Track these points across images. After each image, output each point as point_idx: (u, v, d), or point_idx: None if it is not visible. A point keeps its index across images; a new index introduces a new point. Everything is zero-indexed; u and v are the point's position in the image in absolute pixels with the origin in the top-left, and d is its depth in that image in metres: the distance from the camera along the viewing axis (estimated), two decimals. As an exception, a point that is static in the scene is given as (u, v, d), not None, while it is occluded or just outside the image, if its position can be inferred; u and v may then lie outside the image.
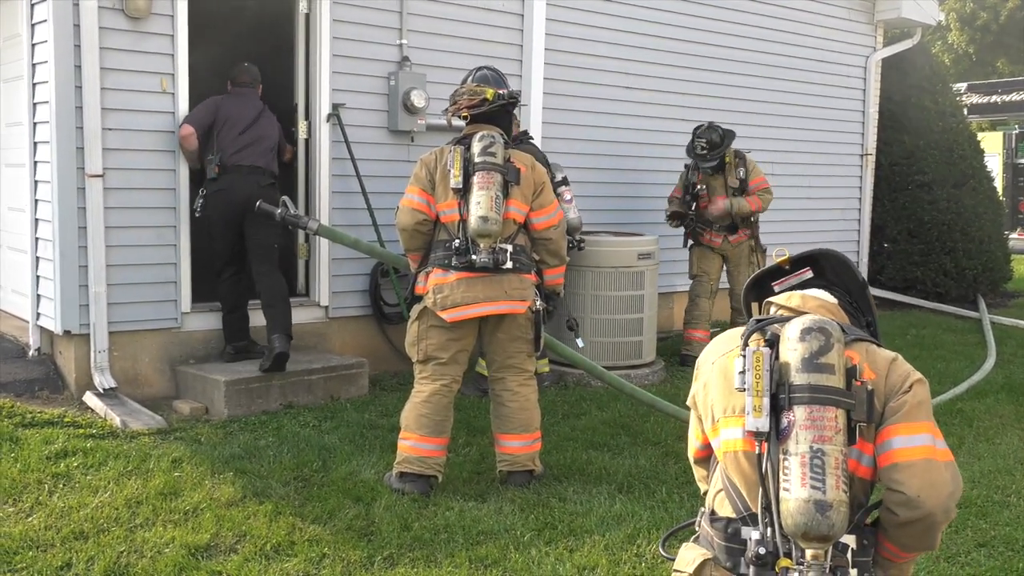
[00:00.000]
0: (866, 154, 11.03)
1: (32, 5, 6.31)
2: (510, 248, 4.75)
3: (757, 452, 2.25)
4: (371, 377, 6.88)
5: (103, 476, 4.91)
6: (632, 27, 8.72)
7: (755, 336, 2.37)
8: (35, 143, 6.42)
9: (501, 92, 4.97)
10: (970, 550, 4.37)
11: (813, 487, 2.13)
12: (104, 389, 6.14)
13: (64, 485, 4.78)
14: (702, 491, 2.64)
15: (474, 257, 4.67)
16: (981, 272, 11.08)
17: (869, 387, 2.27)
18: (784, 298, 2.55)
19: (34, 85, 6.37)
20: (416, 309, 4.91)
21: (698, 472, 2.71)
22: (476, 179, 4.68)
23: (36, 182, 6.46)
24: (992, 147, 20.22)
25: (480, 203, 4.63)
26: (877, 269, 11.25)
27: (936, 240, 10.95)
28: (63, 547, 4.10)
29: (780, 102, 10.04)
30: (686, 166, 8.16)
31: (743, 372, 2.26)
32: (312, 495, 4.78)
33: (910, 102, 11.26)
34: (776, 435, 2.23)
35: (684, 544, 2.50)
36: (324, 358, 6.81)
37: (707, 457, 2.57)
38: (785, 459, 2.19)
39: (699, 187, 8.03)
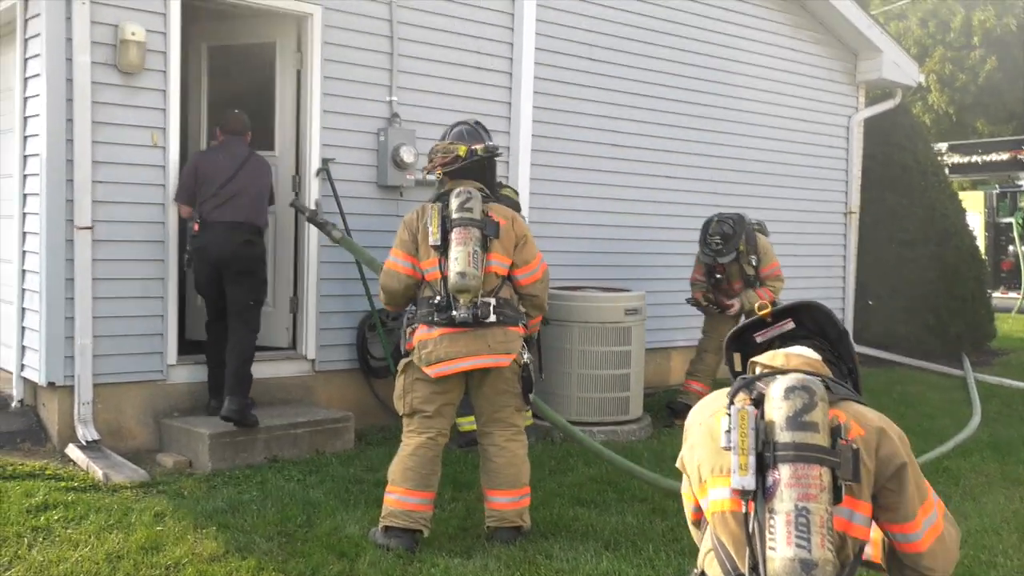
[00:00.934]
0: (850, 212, 11.16)
1: (26, 60, 6.38)
2: (493, 302, 4.78)
3: (744, 511, 2.27)
4: (357, 431, 6.85)
5: (84, 530, 4.85)
6: (619, 86, 8.86)
7: (740, 395, 2.40)
8: (25, 195, 6.45)
9: (474, 148, 5.00)
10: (957, 609, 4.34)
11: (799, 545, 2.14)
12: (87, 441, 6.10)
13: (44, 539, 4.73)
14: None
15: (454, 313, 4.71)
16: (965, 330, 11.18)
17: (855, 446, 2.30)
18: (768, 357, 2.57)
19: (25, 138, 6.41)
20: (403, 363, 4.92)
21: (696, 534, 2.69)
22: (454, 235, 4.73)
23: (25, 233, 6.47)
24: (973, 206, 20.49)
25: (458, 259, 4.68)
26: (861, 326, 11.32)
27: (920, 298, 11.05)
28: (42, 603, 4.04)
29: (764, 160, 10.18)
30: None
31: (729, 431, 2.28)
32: (296, 551, 4.74)
33: (892, 161, 11.44)
34: (762, 494, 2.24)
35: None
36: (310, 411, 6.79)
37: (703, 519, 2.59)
38: (771, 517, 2.21)
39: (717, 275, 7.97)
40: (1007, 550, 5.01)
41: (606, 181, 8.81)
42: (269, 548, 4.75)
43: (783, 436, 2.24)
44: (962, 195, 21.23)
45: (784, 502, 2.19)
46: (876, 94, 11.73)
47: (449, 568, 4.58)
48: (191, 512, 5.18)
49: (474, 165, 5.07)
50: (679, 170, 9.32)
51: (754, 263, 7.77)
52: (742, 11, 9.87)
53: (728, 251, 7.67)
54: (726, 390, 2.49)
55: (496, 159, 5.29)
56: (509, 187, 6.98)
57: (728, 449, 2.29)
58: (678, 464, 2.61)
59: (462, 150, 5.03)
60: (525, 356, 4.92)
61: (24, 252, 6.49)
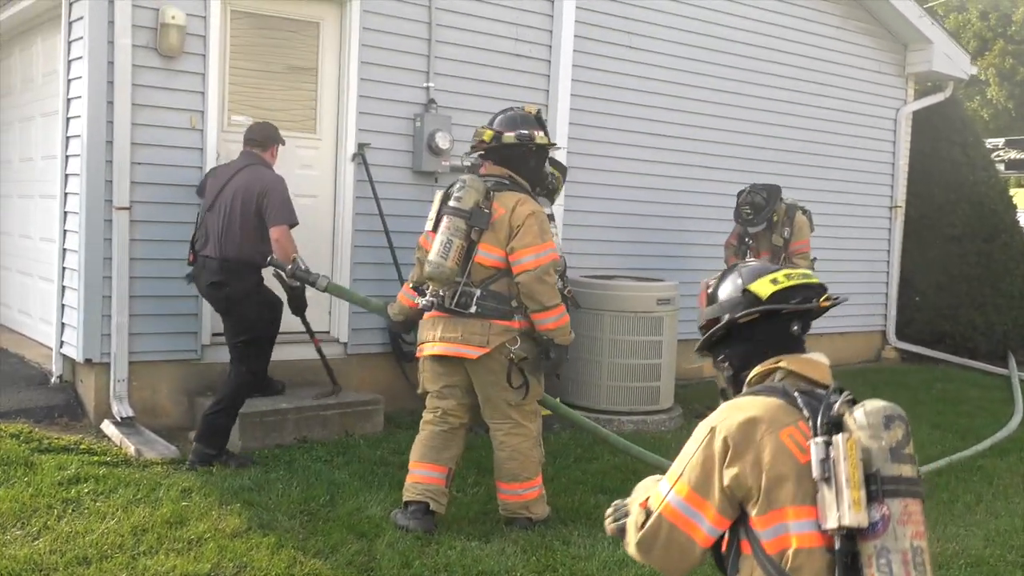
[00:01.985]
0: (895, 206, 10.97)
1: (69, 42, 6.51)
2: (477, 293, 4.80)
3: (838, 548, 2.10)
4: (388, 414, 6.90)
5: (112, 503, 4.96)
6: (660, 74, 8.79)
7: (822, 417, 2.19)
8: (66, 175, 6.58)
9: (500, 133, 4.98)
10: (979, 608, 4.28)
11: None
12: (122, 418, 6.22)
13: (73, 510, 4.84)
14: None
15: (420, 300, 4.92)
16: (1011, 328, 10.94)
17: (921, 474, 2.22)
18: (806, 365, 2.39)
19: (68, 119, 6.55)
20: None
21: (695, 557, 2.32)
22: (441, 222, 4.83)
23: (65, 213, 6.61)
24: (1029, 203, 20.04)
25: (433, 247, 4.79)
26: (905, 321, 11.13)
27: (965, 294, 10.84)
28: (65, 571, 4.14)
29: (808, 152, 10.05)
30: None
31: (824, 460, 2.10)
32: (317, 529, 4.80)
33: (941, 155, 11.21)
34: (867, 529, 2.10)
35: None
36: (340, 394, 6.85)
37: (716, 544, 2.31)
38: (881, 556, 2.08)
39: (748, 240, 8.02)
40: (1035, 550, 4.93)
41: (644, 171, 8.76)
42: (291, 526, 4.82)
43: (890, 469, 2.11)
44: (1014, 191, 20.87)
45: (899, 540, 2.08)
46: (926, 87, 11.52)
47: (466, 551, 4.61)
48: (217, 489, 5.27)
49: (502, 150, 5.01)
50: (718, 160, 9.23)
51: (786, 235, 7.76)
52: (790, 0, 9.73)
53: (758, 221, 7.75)
54: (773, 402, 2.26)
55: (531, 149, 5.04)
56: (554, 168, 6.65)
57: (825, 479, 2.10)
58: (703, 476, 2.26)
59: (487, 134, 5.01)
60: (513, 350, 4.83)
61: (64, 231, 6.63)
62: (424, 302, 4.85)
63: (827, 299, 2.45)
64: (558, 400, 6.32)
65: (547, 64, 8.08)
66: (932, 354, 10.79)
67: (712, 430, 2.27)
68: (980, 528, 5.23)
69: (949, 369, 10.42)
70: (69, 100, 6.53)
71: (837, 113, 10.31)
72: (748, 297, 2.47)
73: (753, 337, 2.47)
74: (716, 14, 9.15)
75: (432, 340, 4.89)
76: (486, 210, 4.81)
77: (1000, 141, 21.29)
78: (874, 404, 2.18)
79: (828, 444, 2.12)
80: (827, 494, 2.10)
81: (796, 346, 2.45)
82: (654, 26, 8.73)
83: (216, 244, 5.75)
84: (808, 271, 2.54)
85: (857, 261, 10.69)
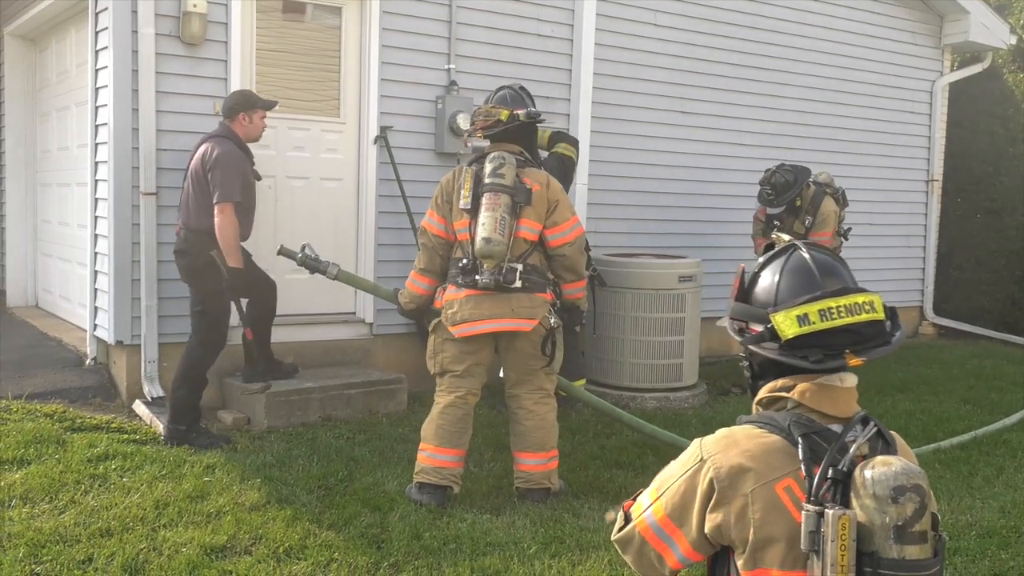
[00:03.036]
0: (932, 180, 10.81)
1: (96, 33, 6.68)
2: (520, 267, 4.84)
3: None
4: (412, 393, 7.00)
5: (138, 479, 5.12)
6: (684, 51, 8.76)
7: (820, 474, 1.95)
8: (96, 163, 6.76)
9: (516, 112, 5.08)
10: (986, 579, 4.27)
11: None
12: (152, 398, 6.40)
13: (100, 486, 5.01)
14: None
15: (478, 277, 4.79)
16: (1053, 303, 10.75)
17: (945, 536, 2.00)
18: (823, 399, 2.09)
19: (96, 108, 6.72)
20: (433, 323, 5.05)
21: (666, 573, 2.22)
22: (484, 200, 4.80)
23: (96, 199, 6.80)
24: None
25: (485, 224, 4.75)
26: (943, 297, 10.99)
27: (1004, 269, 10.67)
28: (88, 543, 4.30)
29: (842, 127, 9.94)
30: None
31: (815, 532, 1.88)
32: (333, 503, 4.92)
33: (979, 128, 11.02)
34: None
35: None
36: (364, 373, 6.98)
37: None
38: None
39: (776, 222, 7.92)
40: (1050, 523, 4.88)
41: (668, 148, 8.74)
42: (308, 500, 4.94)
43: (890, 551, 1.86)
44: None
45: None
46: (964, 57, 11.30)
47: (476, 524, 4.70)
48: (240, 465, 5.41)
49: (515, 129, 5.14)
50: (745, 136, 9.17)
51: (807, 224, 7.65)
52: (817, -27, 9.62)
53: (777, 203, 7.62)
54: (777, 443, 2.04)
55: (538, 124, 5.35)
56: (566, 143, 6.85)
57: (813, 551, 1.89)
58: (681, 516, 2.11)
59: (504, 114, 5.10)
60: (552, 321, 4.95)
61: (96, 217, 6.82)
62: (485, 280, 4.80)
63: (863, 355, 2.09)
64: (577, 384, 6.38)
65: (569, 43, 8.09)
66: (970, 329, 10.65)
67: (701, 461, 2.09)
68: (997, 500, 5.19)
69: (989, 344, 10.27)
70: (97, 89, 6.70)
71: (872, 87, 10.17)
72: (768, 329, 2.14)
73: (771, 358, 2.17)
74: (743, -11, 9.08)
75: (479, 318, 4.87)
76: (526, 186, 4.89)
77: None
78: (885, 468, 1.89)
79: (820, 515, 1.88)
80: (816, 568, 1.89)
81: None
82: (677, 2, 8.68)
83: (180, 214, 5.90)
84: (861, 299, 2.11)
85: (894, 236, 10.57)
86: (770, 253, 2.27)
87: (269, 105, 6.17)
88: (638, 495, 2.28)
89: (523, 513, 4.86)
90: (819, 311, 2.08)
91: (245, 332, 6.12)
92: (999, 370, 8.94)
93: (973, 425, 6.75)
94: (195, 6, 6.41)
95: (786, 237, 2.33)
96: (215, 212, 5.68)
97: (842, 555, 1.85)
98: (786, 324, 2.09)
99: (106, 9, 6.43)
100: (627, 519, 2.25)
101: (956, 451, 6.13)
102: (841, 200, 8.17)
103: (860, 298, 2.11)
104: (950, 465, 5.80)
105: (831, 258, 2.24)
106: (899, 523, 1.85)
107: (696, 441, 2.17)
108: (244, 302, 5.99)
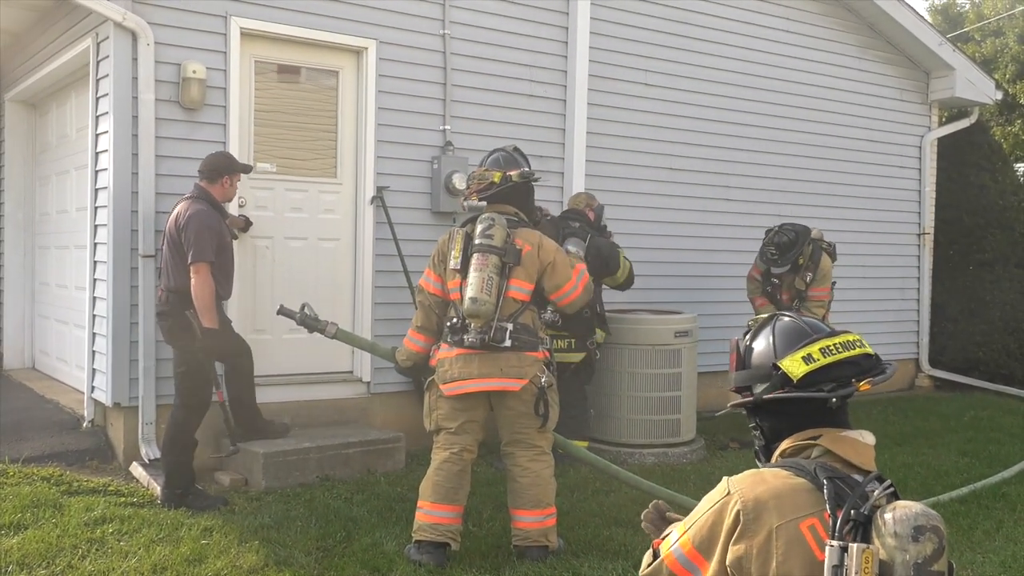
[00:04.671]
0: (924, 233, 10.92)
1: (97, 99, 6.78)
2: (510, 327, 4.89)
3: None
4: (410, 452, 6.99)
5: (135, 542, 5.10)
6: (676, 110, 8.90)
7: (843, 517, 2.02)
8: (95, 226, 6.83)
9: (509, 174, 5.16)
10: (989, 635, 4.25)
11: None
12: (150, 459, 6.39)
13: (97, 550, 4.98)
14: None
15: (465, 336, 4.87)
16: (1048, 353, 10.79)
17: None
18: (847, 448, 2.21)
19: (96, 172, 6.80)
20: (428, 381, 5.09)
21: None
22: (473, 261, 4.90)
23: (95, 262, 6.85)
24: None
25: (472, 284, 4.84)
26: (938, 349, 11.03)
27: (999, 320, 10.73)
28: (85, 608, 4.27)
29: (833, 182, 10.08)
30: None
31: (839, 567, 1.93)
32: (332, 564, 4.89)
33: (969, 181, 11.16)
34: None
35: None
36: (362, 432, 6.97)
37: None
38: None
39: (773, 279, 8.02)
40: (1051, 576, 4.87)
41: (661, 204, 8.84)
42: (307, 562, 4.92)
43: None
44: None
45: None
46: (952, 112, 11.49)
47: (475, 583, 4.67)
48: (238, 527, 5.39)
49: (509, 191, 5.22)
50: (737, 192, 9.29)
51: (808, 280, 7.74)
52: (806, 32, 9.81)
53: (783, 262, 7.70)
54: (801, 484, 2.11)
55: (533, 184, 5.42)
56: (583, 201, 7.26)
57: None
58: (715, 562, 2.16)
59: (497, 176, 5.19)
60: (543, 380, 4.98)
61: (95, 280, 6.86)
62: (471, 339, 4.88)
63: (868, 380, 2.24)
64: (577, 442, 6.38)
65: (562, 103, 8.23)
66: (966, 381, 10.67)
67: (729, 495, 2.17)
68: (997, 555, 5.18)
69: (985, 396, 10.29)
70: (97, 153, 6.79)
71: (862, 143, 10.33)
72: (778, 376, 2.28)
73: (785, 411, 2.30)
74: (734, 49, 9.26)
75: (467, 377, 4.93)
76: (516, 246, 4.97)
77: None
78: (906, 510, 1.97)
79: (844, 550, 1.94)
80: None
81: (837, 418, 2.27)
82: (669, 63, 8.85)
83: (161, 276, 5.99)
84: (851, 337, 2.29)
85: (888, 289, 10.65)
86: (755, 327, 2.45)
87: (247, 169, 6.33)
88: (667, 534, 2.36)
89: (522, 572, 4.83)
90: (820, 349, 2.25)
91: (217, 395, 6.13)
92: (996, 422, 8.95)
93: (972, 478, 6.75)
94: (195, 72, 6.52)
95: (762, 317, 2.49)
96: (191, 272, 5.73)
97: None
98: (794, 365, 2.25)
99: (107, 76, 6.55)
100: (655, 555, 2.35)
101: (955, 505, 6.12)
102: (833, 254, 8.27)
103: (851, 336, 2.30)
104: (950, 519, 5.78)
105: (811, 320, 2.42)
106: (919, 561, 1.91)
107: (725, 478, 2.25)
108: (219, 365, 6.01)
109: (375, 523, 5.54)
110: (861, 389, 2.21)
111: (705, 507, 2.25)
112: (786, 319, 2.40)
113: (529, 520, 4.98)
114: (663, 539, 2.37)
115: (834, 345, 2.25)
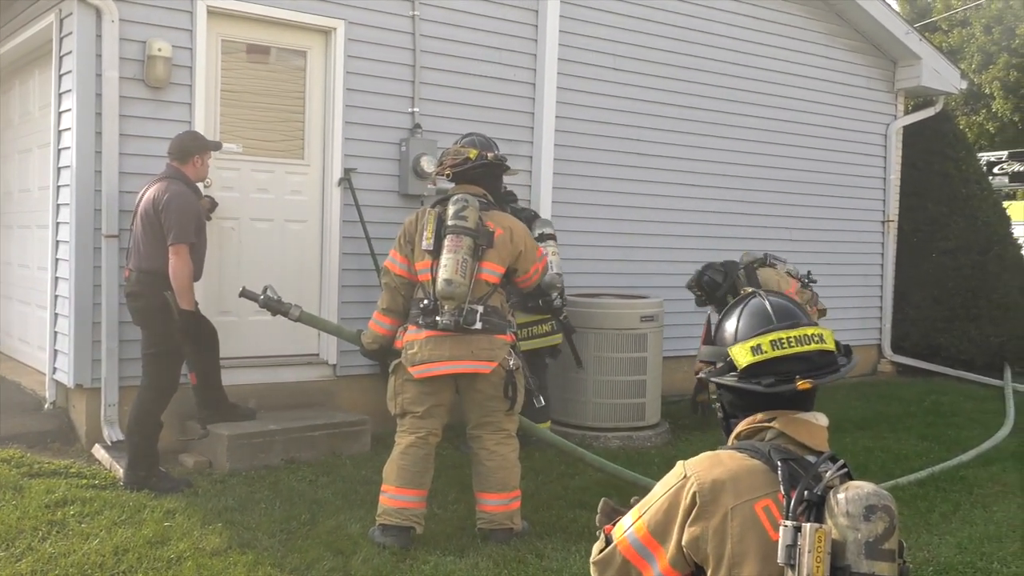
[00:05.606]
0: (888, 220, 11.04)
1: (60, 76, 6.69)
2: (480, 309, 4.88)
3: None
4: (376, 434, 6.97)
5: (97, 525, 5.06)
6: (645, 95, 8.91)
7: (797, 497, 2.05)
8: (58, 205, 6.74)
9: (484, 154, 5.16)
10: (944, 615, 4.33)
11: None
12: (112, 442, 6.34)
13: (58, 532, 4.95)
14: None
15: (438, 318, 4.83)
16: (1008, 340, 10.94)
17: (909, 566, 2.13)
18: (802, 429, 2.24)
19: (59, 151, 6.71)
20: (393, 363, 5.08)
21: None
22: (446, 242, 4.86)
23: (57, 242, 6.77)
24: (1034, 215, 20.02)
25: (446, 266, 4.81)
26: (901, 335, 11.16)
27: (960, 307, 10.86)
28: (45, 590, 4.25)
29: (798, 169, 10.14)
30: None
31: (792, 546, 1.96)
32: (295, 546, 4.89)
33: (933, 169, 11.27)
34: None
35: None
36: (328, 414, 6.96)
37: None
38: None
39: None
40: (1006, 557, 4.97)
41: (629, 189, 8.86)
42: (270, 544, 4.91)
43: (862, 566, 1.95)
44: (1023, 204, 20.82)
45: None
46: (918, 101, 11.60)
47: (439, 566, 4.69)
48: (201, 509, 5.37)
49: (482, 171, 5.22)
50: (705, 178, 9.33)
51: None
52: (773, 19, 9.84)
53: (710, 302, 7.28)
54: (756, 465, 2.15)
55: (504, 170, 5.42)
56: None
57: (789, 565, 1.97)
58: (661, 528, 2.19)
59: (473, 153, 5.19)
60: (511, 363, 4.99)
61: (56, 260, 6.78)
62: (445, 321, 4.85)
63: (810, 379, 2.24)
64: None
65: (532, 87, 8.21)
66: (928, 367, 10.81)
67: (685, 478, 2.19)
68: (954, 536, 5.27)
69: (945, 382, 10.43)
70: (60, 132, 6.70)
71: (828, 129, 10.40)
72: (727, 361, 2.33)
73: (740, 392, 2.34)
74: (702, 35, 9.28)
75: (438, 359, 4.91)
76: (488, 228, 4.96)
77: (1004, 154, 21.31)
78: (858, 490, 2.02)
79: (797, 530, 1.97)
80: None
81: (797, 401, 2.28)
82: (639, 48, 8.85)
83: (131, 256, 5.88)
84: (810, 331, 2.29)
85: (852, 276, 10.75)
86: (733, 301, 2.49)
87: (217, 146, 6.27)
88: (618, 520, 2.35)
89: (487, 554, 4.86)
90: (771, 341, 2.27)
91: (190, 377, 6.08)
92: (957, 407, 9.08)
93: (931, 462, 6.86)
94: (160, 50, 6.44)
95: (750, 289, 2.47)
96: (170, 253, 5.67)
97: (817, 566, 1.93)
98: (741, 354, 2.29)
99: (70, 52, 6.45)
100: (607, 541, 2.33)
101: (914, 488, 6.21)
102: (769, 263, 7.90)
103: (810, 331, 2.30)
104: (908, 502, 5.88)
105: (787, 302, 2.43)
106: (870, 539, 1.96)
107: (680, 462, 2.26)
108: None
109: (340, 505, 5.54)
110: (799, 388, 2.22)
111: (660, 491, 2.25)
112: (757, 300, 2.40)
113: (494, 503, 5.01)
114: (614, 525, 2.36)
115: (787, 339, 2.27)
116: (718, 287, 7.20)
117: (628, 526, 2.27)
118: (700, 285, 7.31)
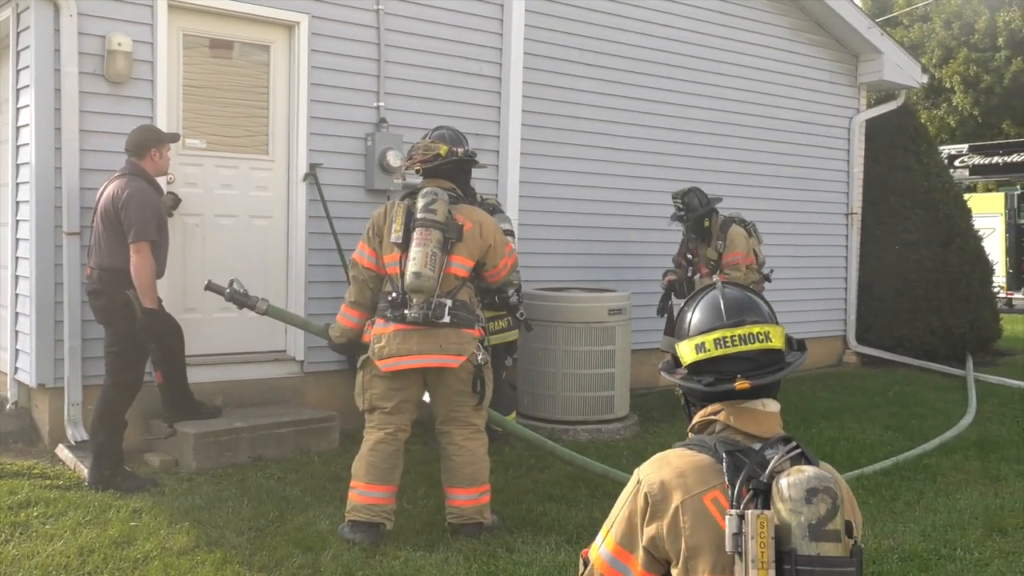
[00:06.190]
0: (851, 213, 11.15)
1: (18, 71, 6.58)
2: (449, 303, 4.86)
3: None
4: (345, 431, 6.94)
5: (61, 526, 5.00)
6: (610, 88, 8.93)
7: (743, 486, 2.10)
8: (17, 202, 6.64)
9: (455, 149, 5.14)
10: (909, 602, 4.37)
11: None
12: (76, 441, 6.26)
13: (21, 534, 4.88)
14: None
15: (406, 311, 4.80)
16: (969, 330, 11.11)
17: (860, 543, 2.15)
18: (747, 420, 2.27)
19: (18, 147, 6.60)
20: (361, 359, 5.04)
21: None
22: (415, 235, 4.82)
23: (17, 240, 6.66)
24: (994, 207, 20.32)
25: (415, 259, 4.77)
26: (865, 327, 11.29)
27: (923, 299, 11.00)
28: (8, 593, 4.18)
29: (763, 162, 10.21)
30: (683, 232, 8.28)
31: (737, 534, 2.01)
32: (264, 544, 4.85)
33: (895, 163, 11.40)
34: None
35: None
36: (295, 411, 6.91)
37: None
38: None
39: (689, 256, 8.14)
40: (968, 544, 5.03)
41: (595, 183, 8.89)
42: (238, 542, 4.87)
43: (807, 548, 1.99)
44: (983, 197, 21.13)
45: None
46: (880, 95, 11.72)
47: (409, 561, 4.68)
48: (168, 509, 5.31)
49: (452, 166, 5.20)
50: (670, 171, 9.35)
51: (719, 248, 7.87)
52: (737, 13, 9.91)
53: (687, 218, 7.93)
54: (704, 460, 2.19)
55: (473, 165, 5.39)
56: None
57: (737, 553, 2.01)
58: (627, 531, 2.23)
59: (443, 149, 5.16)
60: (480, 357, 4.97)
61: (17, 258, 6.68)
62: (413, 315, 4.82)
63: (748, 379, 2.25)
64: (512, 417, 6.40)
65: (497, 81, 8.20)
66: (892, 357, 10.94)
67: (638, 483, 2.24)
68: (918, 524, 5.33)
69: (909, 372, 10.56)
70: (18, 128, 6.59)
71: (791, 123, 10.49)
72: (675, 357, 2.38)
73: (687, 388, 2.38)
74: (668, 29, 9.32)
75: (406, 353, 4.88)
76: (458, 222, 4.93)
77: (964, 147, 21.60)
78: (799, 475, 2.04)
79: (742, 518, 2.02)
80: (739, 570, 2.02)
81: (746, 393, 2.28)
82: (605, 42, 8.87)
83: (93, 254, 5.80)
84: (756, 330, 2.30)
85: (816, 268, 10.86)
86: (694, 292, 2.49)
87: (175, 138, 6.20)
88: (587, 549, 2.39)
89: (456, 549, 4.84)
90: (715, 340, 2.29)
91: (156, 375, 6.04)
92: (919, 397, 9.20)
93: (895, 451, 6.93)
94: (120, 44, 6.36)
95: (715, 279, 2.49)
96: (131, 251, 5.60)
97: (762, 551, 1.98)
98: (687, 352, 2.33)
99: (28, 47, 6.35)
100: (585, 563, 2.37)
101: (879, 477, 6.28)
102: (753, 232, 8.25)
103: (755, 329, 2.30)
104: (873, 491, 5.94)
105: (743, 295, 2.42)
106: (813, 522, 2.00)
107: (635, 470, 2.30)
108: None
109: (308, 502, 5.51)
110: (737, 388, 2.23)
111: (620, 503, 2.30)
112: (713, 295, 2.40)
113: (464, 498, 5.00)
114: (589, 549, 2.38)
115: (731, 337, 2.29)
116: (694, 210, 7.85)
117: (600, 544, 2.32)
118: (683, 198, 7.92)
